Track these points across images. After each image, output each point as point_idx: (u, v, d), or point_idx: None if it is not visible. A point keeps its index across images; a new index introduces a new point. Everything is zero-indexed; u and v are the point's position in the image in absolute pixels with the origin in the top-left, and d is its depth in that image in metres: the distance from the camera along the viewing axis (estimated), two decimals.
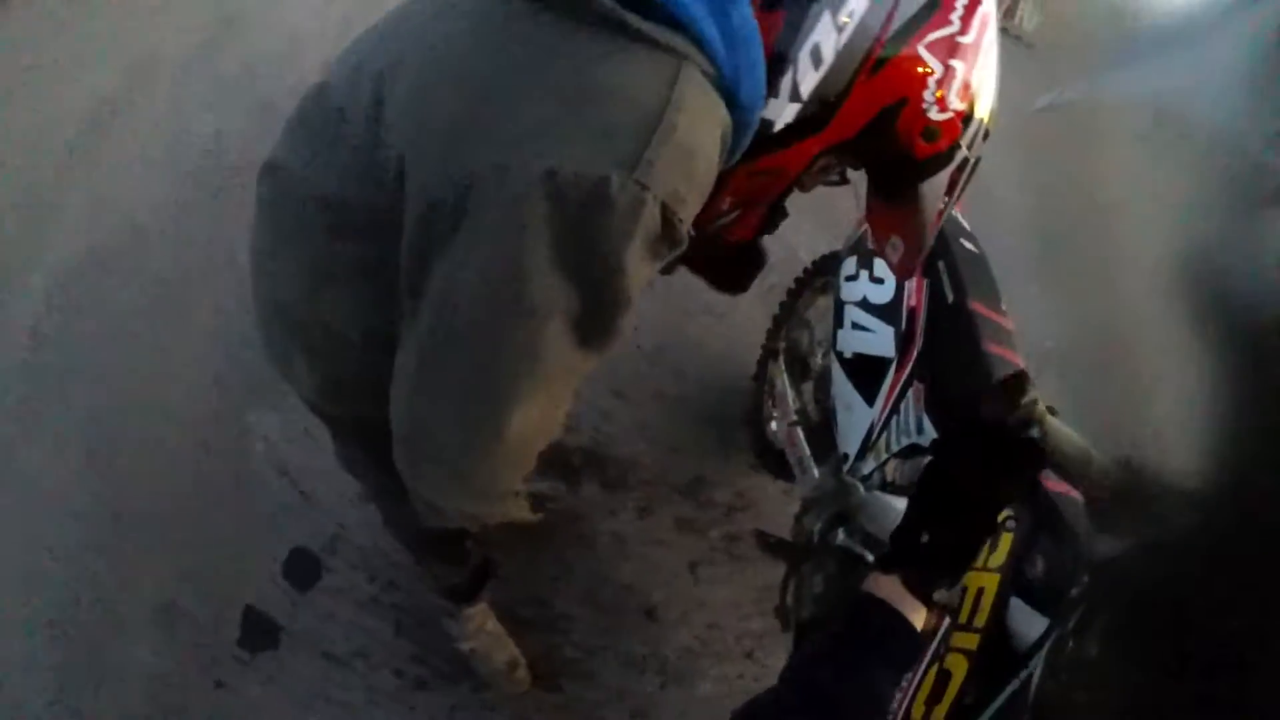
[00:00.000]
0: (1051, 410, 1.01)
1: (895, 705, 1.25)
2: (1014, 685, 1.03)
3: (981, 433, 0.95)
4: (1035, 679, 0.99)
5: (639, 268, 0.74)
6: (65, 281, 2.20)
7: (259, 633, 1.81)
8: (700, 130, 0.74)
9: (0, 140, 2.37)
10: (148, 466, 1.99)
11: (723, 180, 0.83)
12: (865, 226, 1.93)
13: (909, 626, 0.82)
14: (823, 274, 2.10)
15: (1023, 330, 1.51)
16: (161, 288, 2.26)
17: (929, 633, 1.26)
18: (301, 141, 0.89)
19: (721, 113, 0.76)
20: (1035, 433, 1.04)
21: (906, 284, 1.77)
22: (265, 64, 2.80)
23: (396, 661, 1.79)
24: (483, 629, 1.77)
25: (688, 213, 0.76)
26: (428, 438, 0.85)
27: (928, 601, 0.84)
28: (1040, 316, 1.74)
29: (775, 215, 1.06)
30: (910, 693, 1.22)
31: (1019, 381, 0.97)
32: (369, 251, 0.84)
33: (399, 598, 1.86)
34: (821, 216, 2.38)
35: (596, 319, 0.76)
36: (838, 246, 2.03)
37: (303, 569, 1.89)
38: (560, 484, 2.03)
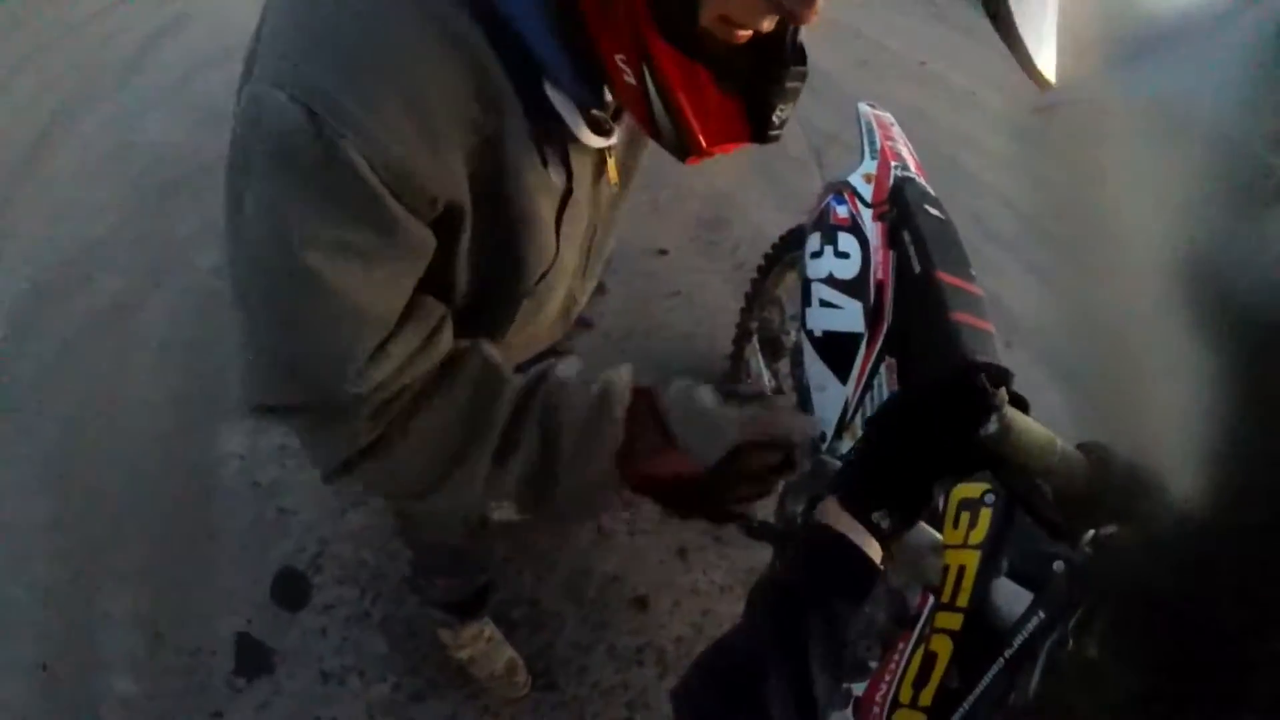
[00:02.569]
0: (1020, 400, 1.01)
1: (883, 688, 1.28)
2: (998, 666, 1.04)
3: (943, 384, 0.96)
4: (1038, 667, 0.99)
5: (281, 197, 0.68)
6: (16, 308, 2.20)
7: (252, 659, 1.83)
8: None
9: None
10: (117, 495, 1.99)
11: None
12: (827, 201, 1.91)
13: (857, 551, 0.83)
14: (790, 250, 2.09)
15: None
16: (114, 302, 2.26)
17: (913, 615, 1.28)
18: None
19: None
20: (994, 424, 1.04)
21: (874, 258, 1.76)
22: (206, 66, 2.75)
23: (392, 675, 1.81)
24: (480, 637, 1.79)
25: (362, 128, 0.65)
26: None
27: (866, 523, 0.84)
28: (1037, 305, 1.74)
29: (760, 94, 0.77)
30: (898, 674, 1.24)
31: (1001, 375, 0.97)
32: None
33: (389, 609, 1.88)
34: (784, 190, 2.38)
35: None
36: (803, 220, 2.02)
37: (291, 589, 1.91)
38: None
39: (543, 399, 0.86)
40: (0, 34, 3.06)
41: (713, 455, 0.86)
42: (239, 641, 1.84)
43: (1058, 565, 1.05)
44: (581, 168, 0.85)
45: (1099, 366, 0.83)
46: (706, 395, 0.89)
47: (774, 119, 0.77)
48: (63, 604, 1.85)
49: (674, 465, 0.87)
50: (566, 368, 0.90)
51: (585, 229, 0.96)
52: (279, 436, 2.07)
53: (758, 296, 2.24)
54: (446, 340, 0.83)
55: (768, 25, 0.70)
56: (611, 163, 0.92)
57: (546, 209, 0.83)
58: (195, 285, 2.31)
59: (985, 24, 0.85)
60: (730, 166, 2.90)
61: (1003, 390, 1.01)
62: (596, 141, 0.83)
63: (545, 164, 0.79)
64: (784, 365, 2.09)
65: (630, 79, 0.71)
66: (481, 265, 0.83)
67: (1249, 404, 0.65)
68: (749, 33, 0.70)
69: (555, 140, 0.80)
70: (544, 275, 0.89)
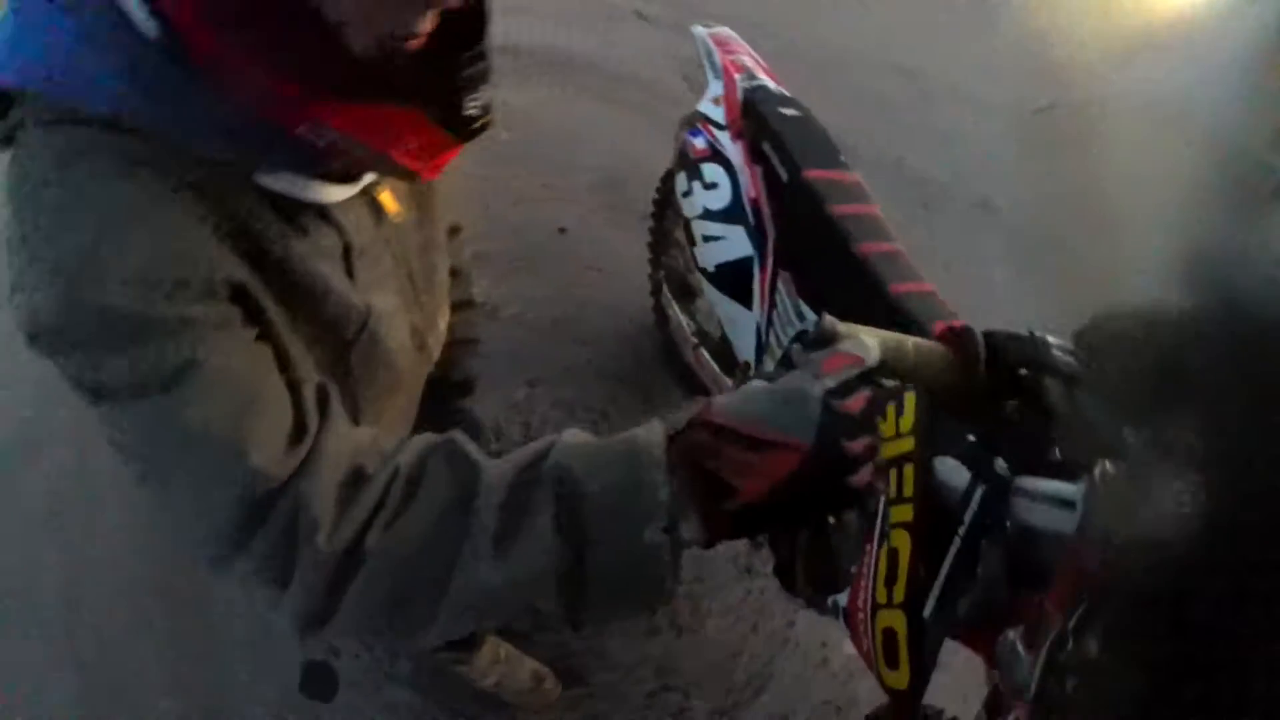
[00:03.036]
0: None
1: (862, 594, 1.31)
2: (955, 545, 1.07)
3: None
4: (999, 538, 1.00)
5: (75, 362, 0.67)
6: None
7: None
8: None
9: None
10: (130, 646, 2.01)
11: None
12: (683, 137, 1.89)
13: None
14: (672, 191, 2.08)
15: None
16: (64, 469, 2.25)
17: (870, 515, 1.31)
18: None
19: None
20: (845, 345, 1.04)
21: (742, 178, 1.75)
22: None
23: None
24: (497, 660, 1.84)
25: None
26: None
27: None
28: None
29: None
30: (870, 575, 1.28)
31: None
32: None
33: (409, 664, 1.93)
34: (672, 131, 2.36)
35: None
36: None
37: (320, 681, 1.95)
38: None
39: (552, 470, 0.72)
40: None
41: (809, 425, 0.73)
42: None
43: (970, 437, 1.07)
44: (352, 218, 0.82)
45: None
46: (755, 383, 0.79)
47: (470, 114, 0.74)
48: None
49: (777, 460, 0.73)
50: (571, 435, 0.77)
51: (392, 268, 0.92)
52: None
53: (659, 244, 2.23)
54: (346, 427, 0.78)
55: (429, 24, 0.67)
56: (385, 196, 0.88)
57: (330, 269, 0.80)
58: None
59: None
60: (611, 127, 2.86)
61: (826, 317, 1.01)
62: (342, 193, 0.80)
63: (306, 232, 0.76)
64: (700, 305, 2.10)
65: (324, 142, 0.69)
66: (300, 336, 0.80)
67: (1248, 402, 0.65)
68: (419, 39, 0.68)
69: (305, 207, 0.77)
70: (362, 328, 0.85)
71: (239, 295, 0.72)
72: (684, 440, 0.74)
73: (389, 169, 0.78)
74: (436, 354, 1.13)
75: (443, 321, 1.14)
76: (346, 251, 0.82)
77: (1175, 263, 0.72)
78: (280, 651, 1.97)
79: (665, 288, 2.16)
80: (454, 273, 1.19)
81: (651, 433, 0.74)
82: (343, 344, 0.86)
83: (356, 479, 0.73)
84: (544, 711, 1.86)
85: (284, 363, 0.77)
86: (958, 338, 1.02)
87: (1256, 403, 0.64)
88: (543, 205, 2.67)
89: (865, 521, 1.38)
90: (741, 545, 2.04)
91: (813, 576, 1.59)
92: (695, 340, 2.00)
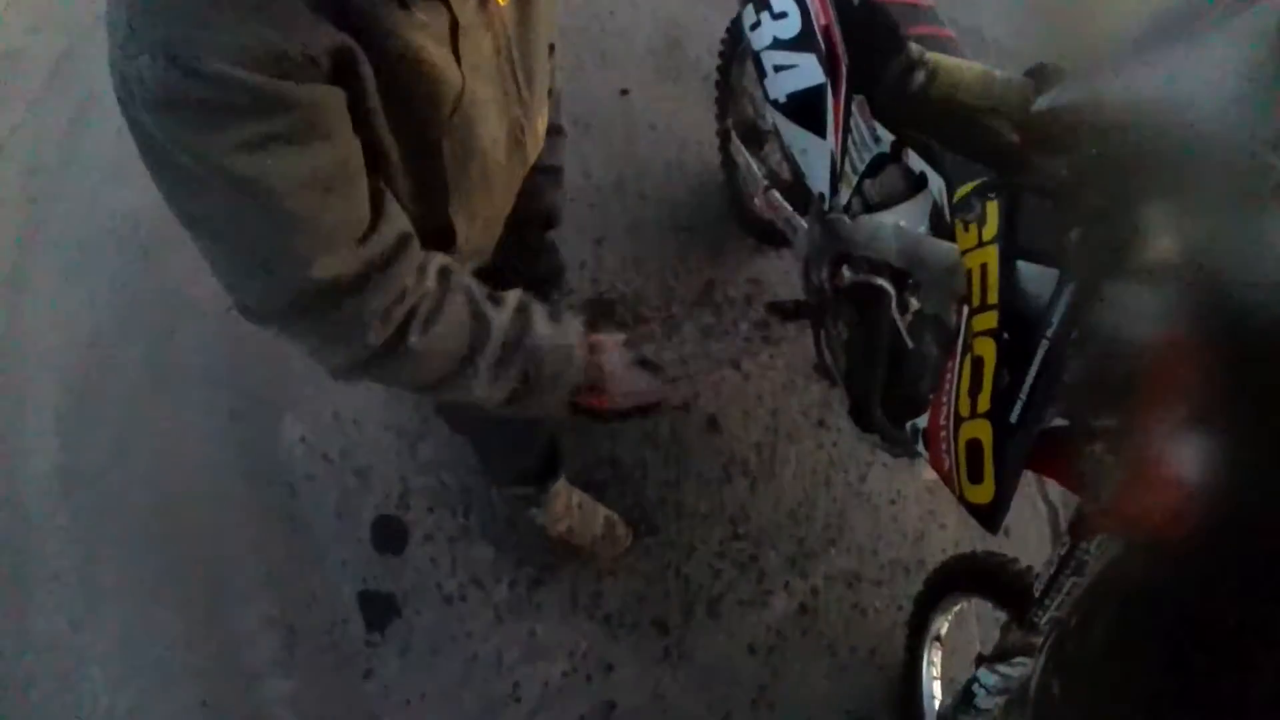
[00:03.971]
0: None
1: (944, 410, 1.32)
2: (1043, 347, 1.06)
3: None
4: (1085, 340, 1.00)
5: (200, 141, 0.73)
6: (66, 409, 2.35)
7: (379, 611, 1.97)
8: None
9: None
10: (212, 525, 2.14)
11: None
12: None
13: None
14: (739, 40, 2.06)
15: None
16: (144, 369, 2.38)
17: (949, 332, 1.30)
18: None
19: None
20: (921, 74, 1.02)
21: (811, 6, 1.73)
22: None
23: (506, 574, 1.94)
24: (570, 505, 1.87)
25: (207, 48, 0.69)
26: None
27: None
28: None
29: None
30: (953, 389, 1.28)
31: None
32: None
33: (483, 517, 1.99)
34: None
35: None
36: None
37: (391, 534, 2.03)
38: None
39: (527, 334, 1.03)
40: None
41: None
42: (362, 601, 1.98)
43: (1074, 234, 1.05)
44: None
45: None
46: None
47: None
48: (199, 641, 2.00)
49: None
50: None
51: (492, 55, 0.97)
52: (331, 406, 2.19)
53: (725, 95, 2.23)
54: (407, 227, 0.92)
55: None
56: None
57: (432, 45, 0.84)
58: (205, 318, 2.40)
59: None
60: None
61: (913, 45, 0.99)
62: None
63: (406, 5, 0.80)
64: (771, 151, 2.09)
65: None
66: (395, 117, 0.86)
67: (1248, 402, 0.64)
68: None
69: None
70: (455, 109, 0.92)
71: (340, 69, 0.76)
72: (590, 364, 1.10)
73: None
74: (532, 158, 1.19)
75: (541, 124, 1.18)
76: (454, 29, 0.86)
77: (1174, 262, 0.74)
78: (356, 510, 2.07)
79: (734, 135, 2.16)
80: (549, 91, 1.23)
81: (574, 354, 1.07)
82: (437, 124, 0.91)
83: (407, 290, 0.90)
84: (616, 559, 1.91)
85: (373, 157, 0.86)
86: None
87: (1259, 407, 0.63)
88: (603, 69, 2.65)
89: (942, 340, 1.39)
90: (814, 396, 2.06)
91: (890, 404, 1.60)
92: (767, 183, 1.99)
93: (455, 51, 0.88)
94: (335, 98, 0.77)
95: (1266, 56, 0.68)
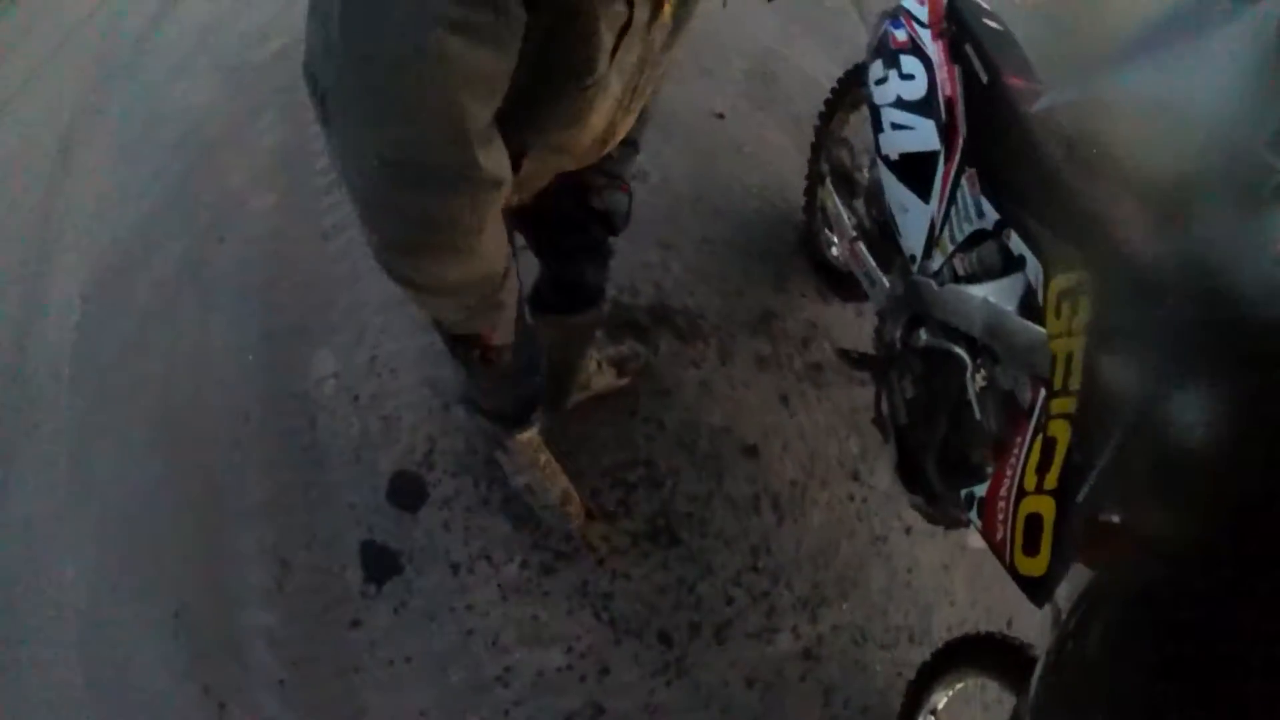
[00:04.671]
0: None
1: (1006, 482, 1.40)
2: (1117, 438, 1.13)
3: None
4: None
5: None
6: (89, 291, 2.35)
7: (380, 564, 1.97)
8: None
9: None
10: (224, 439, 2.13)
11: None
12: (884, 27, 1.97)
13: None
14: (851, 89, 2.17)
15: None
16: (182, 265, 2.39)
17: (1026, 409, 1.38)
18: None
19: None
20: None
21: (939, 75, 1.82)
22: (218, 27, 2.87)
23: (519, 554, 1.95)
24: (535, 464, 1.88)
25: None
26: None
27: None
28: None
29: None
30: (1019, 463, 1.36)
31: None
32: None
33: (507, 493, 1.99)
34: (827, 38, 2.43)
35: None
36: (848, 67, 2.11)
37: (408, 490, 2.03)
38: (637, 344, 2.14)
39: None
40: (12, 43, 3.22)
41: None
42: (364, 550, 1.97)
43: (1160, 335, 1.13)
44: (641, 4, 0.96)
45: None
46: None
47: None
48: (187, 552, 1.99)
49: None
50: None
51: (635, 62, 1.08)
52: (370, 349, 2.20)
53: (824, 139, 2.32)
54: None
55: None
56: (669, 6, 1.03)
57: (606, 32, 0.95)
58: (258, 230, 2.43)
59: None
60: (768, 22, 2.92)
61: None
62: None
63: None
64: (859, 203, 2.18)
65: None
66: (536, 57, 0.94)
67: (1248, 402, 0.69)
68: None
69: None
70: (588, 86, 1.03)
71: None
72: None
73: None
74: (595, 158, 1.33)
75: (622, 134, 1.32)
76: (624, 27, 0.97)
77: (1175, 262, 0.79)
78: (375, 458, 2.08)
79: (828, 180, 2.24)
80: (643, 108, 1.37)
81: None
82: (562, 89, 1.03)
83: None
84: (634, 563, 1.94)
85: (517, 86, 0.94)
86: None
87: (1255, 401, 0.68)
88: (701, 87, 2.71)
89: (1010, 415, 1.47)
90: (852, 448, 2.12)
91: (943, 467, 1.68)
92: (855, 234, 2.08)
93: (615, 45, 0.99)
94: (521, 20, 0.85)
95: (1267, 56, 0.72)
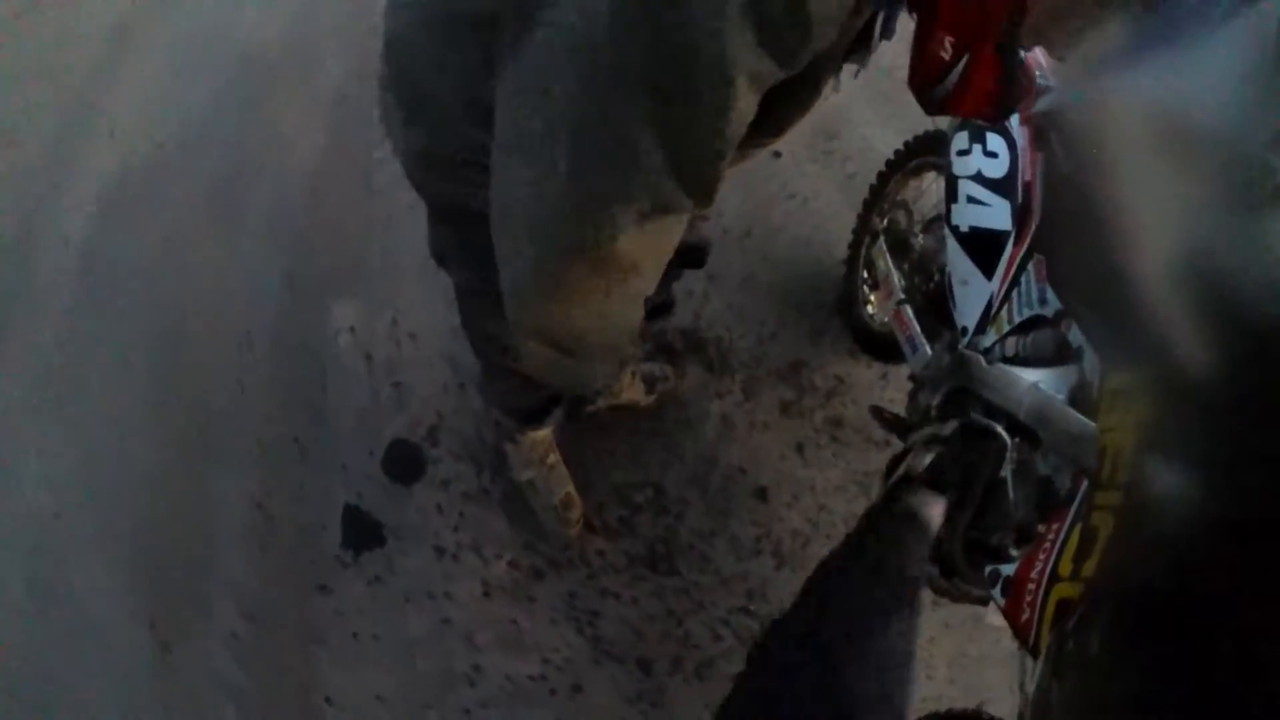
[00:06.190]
0: None
1: (1039, 565, 1.42)
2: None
3: None
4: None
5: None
6: (114, 190, 2.28)
7: (361, 532, 1.92)
8: None
9: (32, 46, 2.43)
10: (226, 376, 2.08)
11: (930, 8, 0.80)
12: None
13: None
14: (916, 157, 2.20)
15: None
16: (216, 189, 2.33)
17: (1067, 496, 1.41)
18: None
19: None
20: None
21: (1022, 159, 1.87)
22: None
23: (511, 552, 1.91)
24: (544, 461, 1.86)
25: None
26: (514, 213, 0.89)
27: None
28: None
29: (1010, 66, 0.85)
30: (1055, 549, 1.38)
31: None
32: (485, 5, 0.85)
33: (508, 487, 1.95)
34: (890, 109, 2.50)
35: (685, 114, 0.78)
36: (906, 138, 2.15)
37: (404, 462, 1.99)
38: (668, 366, 2.13)
39: None
40: None
41: None
42: (346, 515, 1.93)
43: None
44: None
45: None
46: None
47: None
48: (161, 480, 1.92)
49: None
50: None
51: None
52: (393, 311, 2.17)
53: (876, 202, 2.37)
54: None
55: None
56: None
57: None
58: (302, 169, 2.41)
59: None
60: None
61: None
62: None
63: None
64: (907, 265, 2.22)
65: (944, 54, 0.80)
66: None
67: (1248, 401, 0.69)
68: None
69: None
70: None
71: None
72: None
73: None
74: None
75: None
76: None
77: (1175, 262, 0.78)
78: (379, 424, 2.04)
79: (881, 240, 2.28)
80: None
81: None
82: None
83: None
84: (628, 585, 1.91)
85: None
86: None
87: (1256, 404, 0.68)
88: None
89: (1045, 501, 1.50)
90: (858, 510, 2.12)
91: (970, 544, 1.69)
92: (904, 296, 2.11)
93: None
94: None
95: (1266, 56, 0.72)
